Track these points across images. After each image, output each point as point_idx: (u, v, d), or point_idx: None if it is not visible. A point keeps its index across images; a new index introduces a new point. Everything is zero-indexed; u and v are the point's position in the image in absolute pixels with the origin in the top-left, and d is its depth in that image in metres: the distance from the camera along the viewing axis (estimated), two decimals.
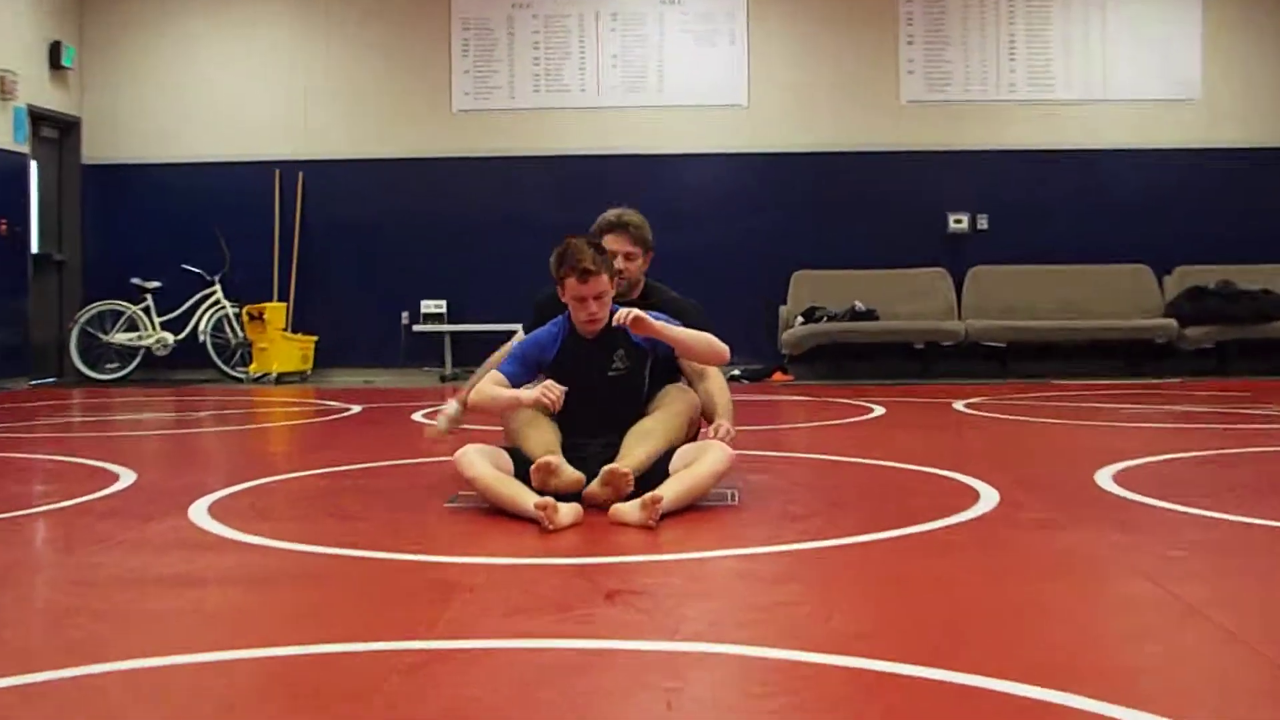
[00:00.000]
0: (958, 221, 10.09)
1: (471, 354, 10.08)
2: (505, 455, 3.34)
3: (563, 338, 3.50)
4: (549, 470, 3.19)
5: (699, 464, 3.26)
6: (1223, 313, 9.30)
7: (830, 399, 7.56)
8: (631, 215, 3.77)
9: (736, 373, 9.42)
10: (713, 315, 3.84)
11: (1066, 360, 9.62)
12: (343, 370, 10.28)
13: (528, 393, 3.32)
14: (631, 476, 3.19)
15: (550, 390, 3.28)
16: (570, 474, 3.24)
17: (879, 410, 6.55)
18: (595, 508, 3.20)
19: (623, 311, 3.32)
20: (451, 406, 4.01)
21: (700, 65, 10.13)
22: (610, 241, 3.70)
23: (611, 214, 3.78)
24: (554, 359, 3.48)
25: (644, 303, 3.74)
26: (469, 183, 10.31)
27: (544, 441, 3.37)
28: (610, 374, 3.48)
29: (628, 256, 3.73)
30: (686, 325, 3.50)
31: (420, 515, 3.29)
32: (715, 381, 3.71)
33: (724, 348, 3.43)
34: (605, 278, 3.40)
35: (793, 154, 10.17)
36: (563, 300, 3.49)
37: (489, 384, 3.43)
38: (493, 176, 10.29)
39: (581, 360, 3.46)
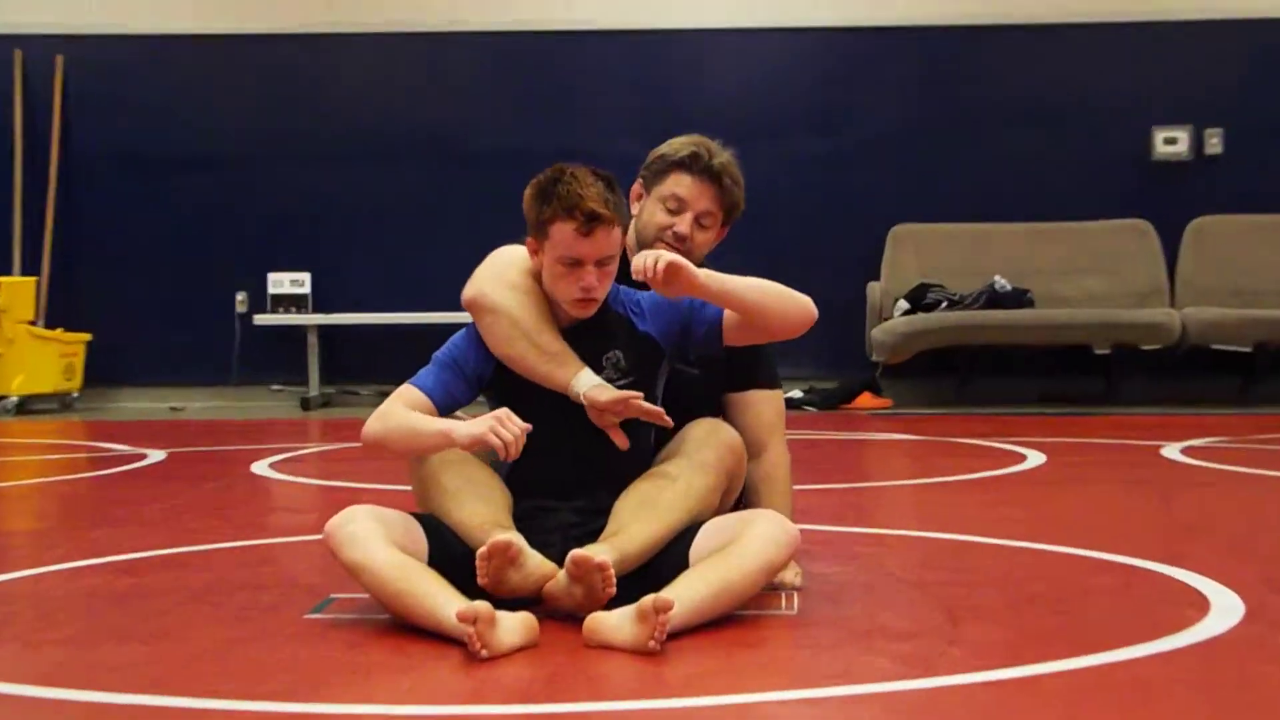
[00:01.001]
0: (1170, 141, 10.14)
1: (360, 363, 10.10)
2: (415, 527, 3.36)
3: None
4: (508, 557, 3.20)
5: (738, 547, 3.28)
6: None
7: (952, 438, 7.58)
8: (727, 157, 3.78)
9: (798, 394, 9.44)
10: None
11: None
12: (134, 390, 10.29)
13: (466, 426, 3.32)
14: (613, 574, 3.20)
15: (505, 426, 3.27)
16: (539, 566, 3.26)
17: (1034, 458, 6.57)
18: (559, 617, 3.21)
19: (649, 254, 3.32)
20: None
21: None
22: (682, 186, 3.73)
23: (691, 144, 3.77)
24: (501, 365, 3.50)
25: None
26: (349, 77, 10.33)
27: (484, 505, 3.39)
28: None
29: (702, 221, 3.75)
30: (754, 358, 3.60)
31: (267, 632, 3.29)
32: (773, 462, 3.73)
33: (807, 300, 3.45)
34: (618, 233, 3.42)
35: (888, 30, 10.22)
36: (535, 263, 3.50)
37: (397, 406, 3.44)
38: (388, 68, 10.31)
39: None
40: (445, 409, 3.46)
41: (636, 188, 3.82)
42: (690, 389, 3.68)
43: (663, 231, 3.71)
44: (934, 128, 10.15)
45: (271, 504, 5.79)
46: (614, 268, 3.44)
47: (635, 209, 3.81)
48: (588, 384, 3.40)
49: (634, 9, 10.22)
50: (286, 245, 10.23)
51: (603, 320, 3.49)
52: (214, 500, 5.72)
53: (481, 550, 3.20)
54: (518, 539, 3.23)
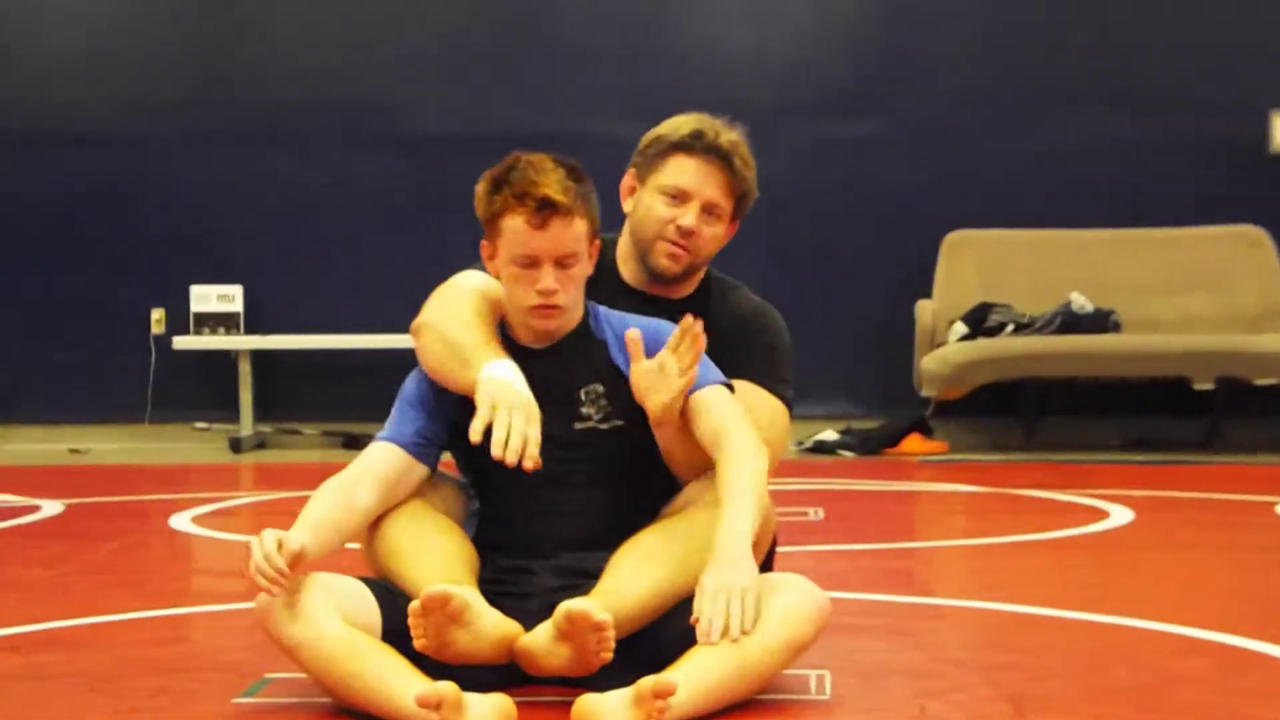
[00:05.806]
0: None
1: (302, 396, 10.03)
2: (365, 594, 3.39)
3: None
4: (448, 612, 3.21)
5: (759, 620, 3.29)
6: None
7: (1019, 490, 7.56)
8: (736, 135, 3.86)
9: (832, 436, 9.41)
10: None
11: None
12: (23, 430, 10.25)
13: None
14: (610, 631, 3.21)
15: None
16: (497, 626, 3.27)
17: (1118, 515, 6.55)
18: (537, 696, 3.22)
19: (683, 330, 3.40)
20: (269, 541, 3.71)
21: None
22: (685, 171, 3.79)
23: (693, 122, 3.84)
24: (463, 399, 3.53)
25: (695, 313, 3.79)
26: (292, 40, 10.28)
27: (440, 561, 3.41)
28: (577, 427, 3.54)
29: (711, 211, 3.80)
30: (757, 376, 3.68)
31: None
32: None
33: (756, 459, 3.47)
34: (583, 225, 3.48)
35: None
36: (489, 269, 3.57)
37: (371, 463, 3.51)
38: (331, 24, 10.26)
39: None
40: (424, 454, 3.53)
41: (627, 179, 3.87)
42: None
43: (664, 227, 3.76)
44: (999, 110, 10.06)
45: (192, 566, 5.78)
46: (580, 270, 3.50)
47: (628, 205, 3.86)
48: (490, 374, 3.42)
49: None
50: (213, 252, 10.14)
51: (582, 344, 3.55)
52: (122, 561, 5.69)
53: (413, 605, 3.21)
54: (463, 591, 3.24)
